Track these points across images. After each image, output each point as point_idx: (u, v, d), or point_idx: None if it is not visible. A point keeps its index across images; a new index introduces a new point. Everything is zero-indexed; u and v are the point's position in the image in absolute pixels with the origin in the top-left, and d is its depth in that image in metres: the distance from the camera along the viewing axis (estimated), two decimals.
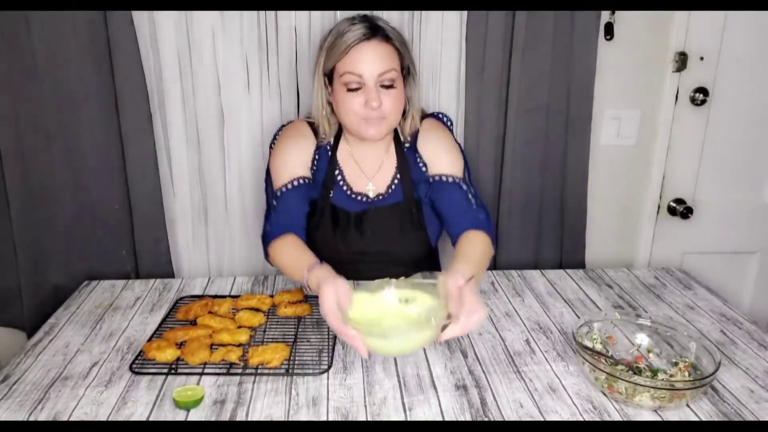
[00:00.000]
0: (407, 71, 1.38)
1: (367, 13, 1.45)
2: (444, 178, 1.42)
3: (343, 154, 1.48)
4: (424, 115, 1.51)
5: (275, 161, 1.46)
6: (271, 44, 1.70)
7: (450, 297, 1.04)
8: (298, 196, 1.42)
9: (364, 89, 1.30)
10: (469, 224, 1.35)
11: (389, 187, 1.47)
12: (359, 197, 1.47)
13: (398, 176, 1.47)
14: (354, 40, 1.28)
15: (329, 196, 1.46)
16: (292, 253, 1.30)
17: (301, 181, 1.43)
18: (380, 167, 1.47)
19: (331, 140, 1.48)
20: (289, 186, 1.41)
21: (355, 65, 1.28)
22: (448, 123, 1.55)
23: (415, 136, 1.47)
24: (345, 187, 1.47)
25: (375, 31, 1.30)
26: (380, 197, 1.47)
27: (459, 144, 1.52)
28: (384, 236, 1.47)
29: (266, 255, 1.40)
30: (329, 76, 1.36)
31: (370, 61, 1.28)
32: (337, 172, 1.47)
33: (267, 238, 1.38)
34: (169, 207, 1.79)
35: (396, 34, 1.34)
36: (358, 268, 1.43)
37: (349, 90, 1.31)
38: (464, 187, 1.41)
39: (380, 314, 1.09)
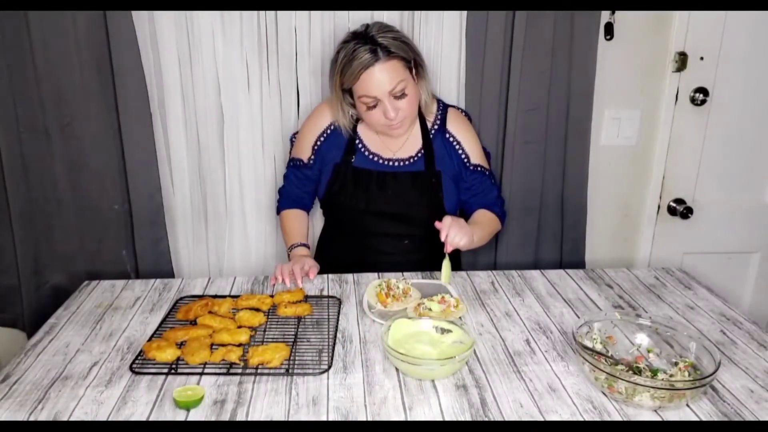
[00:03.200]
0: (415, 63, 1.50)
1: (367, 22, 1.51)
2: (482, 170, 1.65)
3: (365, 129, 1.63)
4: (446, 105, 1.66)
5: (298, 135, 1.70)
6: (271, 44, 1.70)
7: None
8: (295, 176, 1.69)
9: (380, 104, 1.47)
10: (485, 207, 1.65)
11: (412, 158, 1.61)
12: (382, 161, 1.61)
13: (422, 151, 1.60)
14: (361, 67, 1.42)
15: (351, 161, 1.60)
16: (289, 227, 1.69)
17: (299, 163, 1.67)
18: (404, 143, 1.61)
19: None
20: (292, 164, 1.70)
21: (368, 89, 1.45)
22: (467, 117, 1.72)
23: (443, 120, 1.62)
24: (367, 153, 1.61)
25: (377, 51, 1.42)
26: (403, 164, 1.60)
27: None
28: (404, 199, 1.59)
29: (278, 212, 1.76)
30: (348, 90, 1.51)
31: (379, 83, 1.43)
32: (357, 141, 1.62)
33: (279, 205, 1.75)
34: (169, 207, 1.79)
35: (397, 45, 1.45)
36: (378, 227, 1.61)
37: (368, 108, 1.48)
38: (493, 181, 1.68)
39: (416, 341, 1.21)
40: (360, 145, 1.61)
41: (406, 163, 1.60)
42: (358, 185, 1.59)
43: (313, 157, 1.65)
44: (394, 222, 1.61)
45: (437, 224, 1.44)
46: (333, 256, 1.70)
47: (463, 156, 1.62)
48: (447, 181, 1.61)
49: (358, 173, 1.60)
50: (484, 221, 1.61)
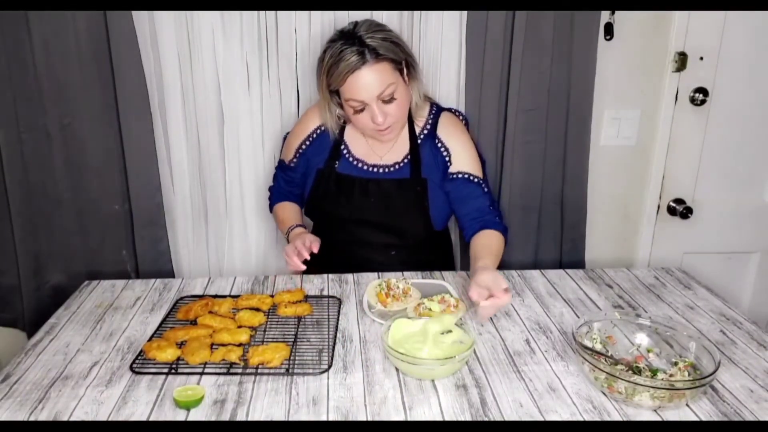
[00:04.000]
0: (406, 63, 1.44)
1: (356, 19, 1.47)
2: (467, 177, 1.52)
3: (352, 132, 1.58)
4: (441, 108, 1.61)
5: (288, 136, 1.68)
6: (271, 44, 1.70)
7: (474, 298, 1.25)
8: (282, 177, 1.69)
9: (368, 108, 1.41)
10: (485, 224, 1.50)
11: (398, 164, 1.55)
12: (366, 167, 1.56)
13: (409, 156, 1.54)
14: (348, 70, 1.36)
15: (335, 167, 1.56)
16: (283, 215, 1.66)
17: (283, 164, 1.66)
18: (391, 149, 1.56)
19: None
20: (278, 164, 1.70)
21: (354, 93, 1.38)
22: (464, 121, 1.65)
23: (434, 125, 1.55)
24: (351, 159, 1.56)
25: (365, 54, 1.35)
26: (388, 170, 1.54)
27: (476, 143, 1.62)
28: (388, 207, 1.53)
29: (270, 210, 1.75)
30: (336, 92, 1.45)
31: (366, 87, 1.37)
32: (343, 147, 1.57)
33: (270, 203, 1.74)
34: (169, 207, 1.79)
35: (387, 46, 1.38)
36: (363, 236, 1.56)
37: (356, 112, 1.43)
38: (485, 189, 1.54)
39: (417, 341, 1.19)
40: (345, 151, 1.57)
41: (391, 169, 1.54)
42: (341, 192, 1.54)
43: (295, 160, 1.62)
44: (379, 232, 1.56)
45: (478, 295, 1.24)
46: (321, 263, 1.57)
47: (448, 162, 1.53)
48: (435, 190, 1.53)
49: (341, 179, 1.55)
50: (497, 252, 1.44)
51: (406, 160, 1.54)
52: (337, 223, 1.58)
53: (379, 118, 1.40)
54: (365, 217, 1.55)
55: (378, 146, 1.56)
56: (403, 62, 1.43)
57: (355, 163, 1.56)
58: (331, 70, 1.39)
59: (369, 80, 1.37)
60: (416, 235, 1.59)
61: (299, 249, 1.41)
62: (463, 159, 1.53)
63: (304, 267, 1.40)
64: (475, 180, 1.53)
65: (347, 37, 1.38)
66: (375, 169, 1.55)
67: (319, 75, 1.45)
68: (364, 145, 1.57)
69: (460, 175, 1.52)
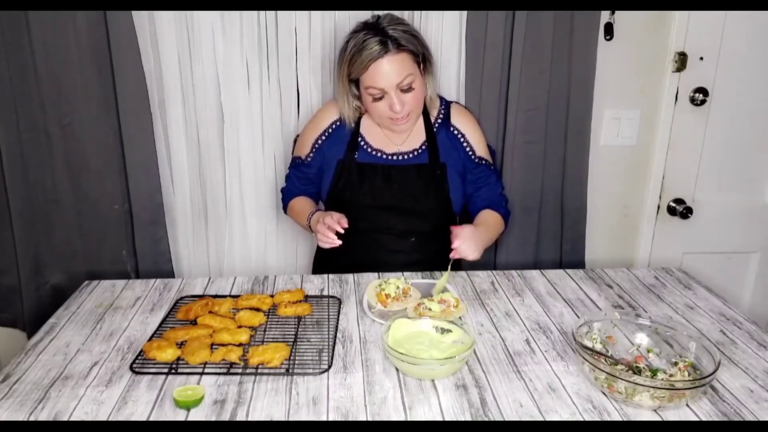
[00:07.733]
0: (423, 57, 1.51)
1: (379, 13, 1.50)
2: (487, 164, 1.64)
3: (368, 124, 1.62)
4: (448, 101, 1.66)
5: (300, 133, 1.70)
6: (271, 44, 1.70)
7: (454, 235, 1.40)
8: (296, 176, 1.69)
9: (387, 97, 1.48)
10: (491, 205, 1.63)
11: (416, 150, 1.61)
12: (385, 156, 1.61)
13: (426, 143, 1.60)
14: (370, 58, 1.43)
15: (354, 158, 1.60)
16: (299, 207, 1.66)
17: (298, 160, 1.67)
18: (408, 137, 1.61)
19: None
20: (293, 163, 1.70)
21: (375, 80, 1.45)
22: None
23: (446, 114, 1.62)
24: (369, 149, 1.61)
25: (388, 44, 1.42)
26: (406, 157, 1.60)
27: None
28: (410, 192, 1.58)
29: (285, 211, 1.75)
30: (355, 81, 1.51)
31: (387, 75, 1.44)
32: (360, 139, 1.61)
33: (284, 201, 1.74)
34: (169, 207, 1.79)
35: (407, 38, 1.45)
36: (385, 222, 1.60)
37: (375, 100, 1.49)
38: (497, 177, 1.67)
39: (416, 341, 1.20)
40: (362, 142, 1.60)
41: (410, 156, 1.59)
42: (364, 180, 1.58)
43: (311, 154, 1.63)
44: (401, 217, 1.60)
45: (453, 229, 1.42)
46: (335, 255, 1.61)
47: (468, 149, 1.61)
48: (452, 174, 1.60)
49: (362, 168, 1.58)
50: (492, 223, 1.60)
51: (423, 147, 1.60)
52: (359, 211, 1.59)
53: (397, 107, 1.46)
54: (387, 202, 1.58)
55: (394, 136, 1.60)
56: (421, 56, 1.49)
57: (373, 153, 1.60)
58: (353, 58, 1.45)
59: (390, 69, 1.43)
60: (437, 219, 1.63)
61: (330, 225, 1.43)
62: (480, 146, 1.63)
63: (340, 242, 1.43)
64: (492, 168, 1.65)
65: (370, 27, 1.45)
66: (394, 157, 1.60)
67: (340, 64, 1.51)
68: (381, 136, 1.61)
69: (484, 161, 1.63)
